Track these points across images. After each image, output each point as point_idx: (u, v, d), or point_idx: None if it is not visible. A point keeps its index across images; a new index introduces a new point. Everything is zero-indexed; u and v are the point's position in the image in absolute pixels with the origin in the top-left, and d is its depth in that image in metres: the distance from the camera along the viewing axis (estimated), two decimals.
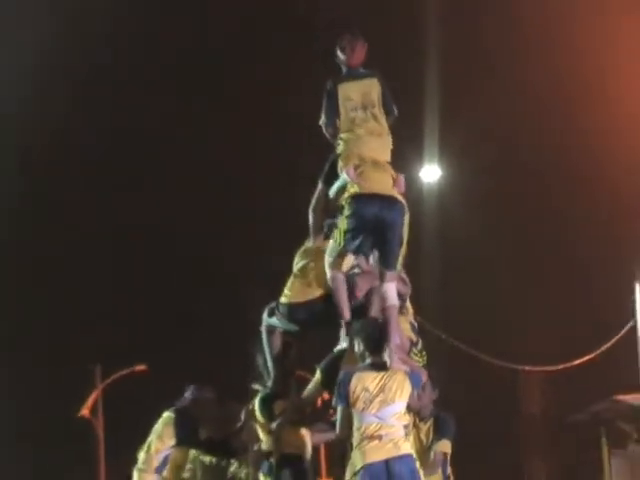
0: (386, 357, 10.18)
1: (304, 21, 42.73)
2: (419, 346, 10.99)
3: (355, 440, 10.03)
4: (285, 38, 42.97)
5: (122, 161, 45.96)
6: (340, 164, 10.63)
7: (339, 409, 10.15)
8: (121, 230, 44.88)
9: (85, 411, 35.93)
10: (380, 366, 10.10)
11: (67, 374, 36.39)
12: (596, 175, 40.39)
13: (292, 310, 10.70)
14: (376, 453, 9.96)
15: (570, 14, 37.27)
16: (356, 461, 10.00)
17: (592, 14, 36.09)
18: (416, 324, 11.25)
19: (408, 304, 11.07)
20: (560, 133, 41.88)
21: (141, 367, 31.50)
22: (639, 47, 33.46)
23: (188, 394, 11.70)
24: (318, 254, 10.77)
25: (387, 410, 10.00)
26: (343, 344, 10.76)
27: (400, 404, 10.05)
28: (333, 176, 10.75)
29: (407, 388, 10.08)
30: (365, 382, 10.03)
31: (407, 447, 10.08)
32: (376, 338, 10.22)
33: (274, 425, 10.70)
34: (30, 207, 46.30)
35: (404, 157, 11.61)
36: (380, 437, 9.99)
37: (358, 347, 10.25)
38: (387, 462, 9.93)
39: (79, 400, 35.97)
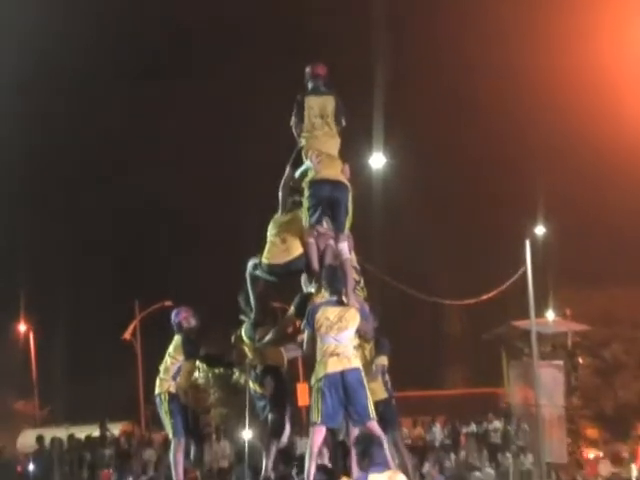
0: (344, 296, 11.65)
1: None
2: (361, 284, 12.68)
3: (318, 356, 11.35)
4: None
5: None
6: (304, 153, 12.28)
7: (306, 333, 11.59)
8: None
9: (127, 335, 39.71)
10: (339, 302, 11.57)
11: (115, 308, 39.97)
12: (502, 158, 42.56)
13: (272, 269, 12.25)
14: (334, 366, 11.29)
15: None
16: (319, 371, 11.32)
17: None
18: (359, 267, 12.86)
19: (353, 254, 12.58)
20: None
21: (168, 302, 33.32)
22: None
23: (192, 321, 12.73)
24: (288, 222, 12.37)
25: (343, 334, 11.39)
26: (309, 287, 12.26)
27: (352, 330, 11.47)
28: (298, 162, 12.39)
29: (357, 319, 11.51)
30: (327, 313, 11.44)
31: (357, 362, 11.44)
32: (336, 282, 11.71)
33: (258, 345, 12.26)
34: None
35: (356, 147, 13.39)
36: (337, 354, 11.32)
37: (324, 288, 11.74)
38: (342, 373, 11.28)
39: (124, 327, 39.35)
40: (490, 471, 28.92)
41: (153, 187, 46.65)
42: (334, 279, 11.74)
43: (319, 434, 11.27)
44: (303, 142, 12.44)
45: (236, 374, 11.98)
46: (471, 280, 36.46)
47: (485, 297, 33.17)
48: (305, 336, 11.66)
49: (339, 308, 11.52)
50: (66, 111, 49.18)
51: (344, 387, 11.27)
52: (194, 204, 47.14)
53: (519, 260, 32.36)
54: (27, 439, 33.45)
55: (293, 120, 12.54)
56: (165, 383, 12.37)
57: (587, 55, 35.08)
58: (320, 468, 11.32)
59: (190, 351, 12.41)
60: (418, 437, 30.36)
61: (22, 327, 50.60)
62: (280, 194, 12.59)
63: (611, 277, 42.28)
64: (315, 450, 11.25)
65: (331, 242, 12.17)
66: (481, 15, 39.72)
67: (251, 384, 12.36)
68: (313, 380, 11.44)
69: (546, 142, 41.26)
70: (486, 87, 41.99)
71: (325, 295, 11.74)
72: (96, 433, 30.58)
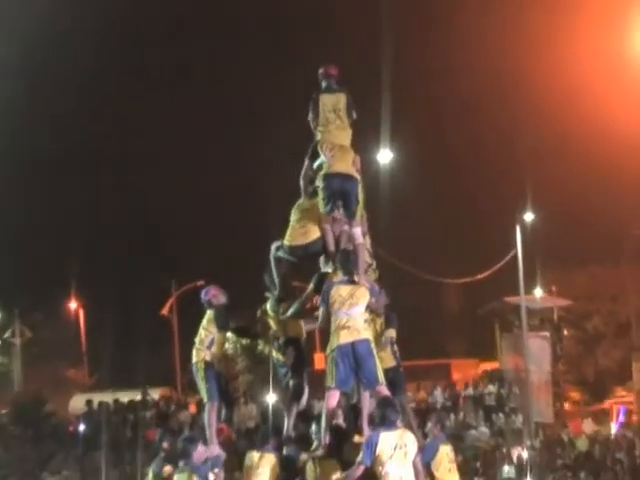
0: (356, 276, 11.65)
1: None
2: (373, 266, 12.66)
3: (332, 329, 11.36)
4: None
5: None
6: (320, 147, 12.29)
7: (322, 308, 11.58)
8: None
9: (165, 311, 40.05)
10: (351, 281, 11.59)
11: (154, 287, 39.63)
12: (497, 154, 42.47)
13: (293, 250, 12.25)
14: (345, 337, 11.29)
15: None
16: (333, 342, 11.34)
17: None
18: (372, 250, 12.87)
19: (367, 238, 12.59)
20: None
21: (201, 282, 32.76)
22: None
23: (222, 298, 12.57)
24: (308, 209, 12.36)
25: (353, 310, 11.37)
26: (326, 268, 12.26)
27: (362, 306, 11.43)
28: (315, 154, 12.42)
29: (367, 296, 11.50)
30: (340, 291, 11.46)
31: (366, 334, 11.41)
32: (348, 264, 11.72)
33: (281, 318, 12.26)
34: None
35: (365, 144, 13.45)
36: (349, 327, 11.31)
37: (338, 269, 11.76)
38: (352, 343, 11.28)
39: (161, 304, 39.62)
40: (485, 430, 29.04)
41: (190, 177, 46.45)
42: (347, 261, 11.77)
43: (334, 397, 11.33)
44: (319, 136, 12.43)
45: (261, 345, 11.87)
46: (468, 261, 36.54)
47: (480, 276, 33.63)
48: (320, 311, 11.68)
49: (351, 286, 11.53)
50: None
51: (354, 356, 11.27)
52: (222, 192, 46.81)
53: (510, 243, 32.78)
54: (77, 403, 33.56)
55: (310, 115, 12.56)
56: (201, 353, 12.38)
57: (572, 57, 34.91)
58: (335, 427, 11.39)
59: (222, 324, 12.40)
60: (422, 400, 30.40)
61: (73, 305, 51.05)
62: (301, 183, 12.65)
63: (591, 258, 42.37)
64: (330, 411, 11.33)
65: (346, 228, 12.15)
66: (487, 22, 39.35)
67: (274, 353, 12.44)
68: (328, 350, 11.46)
69: (536, 141, 41.30)
70: (481, 88, 42.14)
71: (339, 275, 11.73)
72: (138, 397, 30.81)
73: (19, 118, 42.42)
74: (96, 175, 48.51)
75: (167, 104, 48.29)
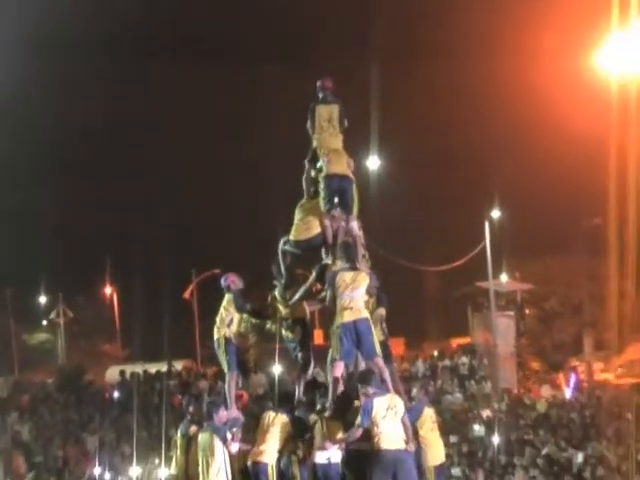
0: (357, 263, 11.71)
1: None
2: (366, 256, 12.59)
3: (337, 309, 11.41)
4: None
5: None
6: (317, 152, 12.32)
7: (329, 292, 11.57)
8: None
9: (187, 294, 39.04)
10: (352, 268, 11.63)
11: (178, 274, 38.62)
12: (468, 158, 42.23)
13: (297, 244, 12.30)
14: (349, 316, 11.34)
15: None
16: (337, 321, 11.39)
17: None
18: (365, 243, 12.75)
19: (361, 232, 12.45)
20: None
21: (217, 270, 31.26)
22: None
23: (239, 283, 12.47)
24: (310, 208, 12.35)
25: (355, 292, 11.42)
26: (326, 259, 12.24)
27: (363, 289, 11.48)
28: (313, 158, 12.43)
29: (367, 280, 11.55)
30: (344, 277, 11.50)
31: (366, 313, 11.47)
32: (349, 253, 11.79)
33: (289, 302, 12.27)
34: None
35: (356, 150, 13.39)
36: (351, 308, 11.35)
37: (339, 259, 11.81)
38: (354, 322, 11.33)
39: (183, 288, 38.94)
40: (459, 395, 28.99)
41: (210, 183, 45.75)
42: (348, 251, 11.79)
43: (339, 368, 11.33)
44: (315, 142, 12.38)
45: (268, 324, 11.79)
46: (445, 252, 36.29)
47: (455, 264, 33.65)
48: (327, 294, 11.63)
49: (353, 272, 11.53)
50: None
51: (356, 332, 11.28)
52: (235, 196, 46.04)
53: (480, 236, 32.80)
54: (112, 373, 33.65)
55: (308, 123, 12.52)
56: (221, 330, 12.33)
57: (536, 66, 34.58)
58: (339, 394, 11.41)
59: (240, 306, 12.32)
60: (405, 370, 30.37)
61: (108, 289, 51.04)
62: (304, 185, 12.56)
63: (550, 248, 42.20)
64: (336, 380, 11.34)
65: (342, 224, 12.11)
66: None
67: (284, 332, 12.39)
68: (334, 327, 11.47)
69: (503, 149, 41.18)
70: (459, 102, 41.85)
71: (340, 264, 11.72)
72: (164, 368, 30.82)
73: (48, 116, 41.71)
74: (133, 175, 46.90)
75: (196, 87, 46.35)
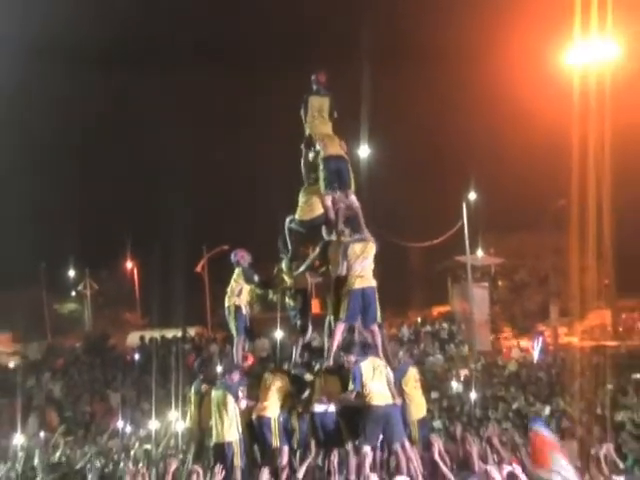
0: (364, 234, 11.61)
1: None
2: None
3: (349, 278, 11.31)
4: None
5: None
6: (312, 138, 12.21)
7: (342, 261, 11.33)
8: None
9: (199, 268, 39.13)
10: (361, 239, 11.57)
11: (191, 250, 38.37)
12: (449, 145, 41.99)
13: (302, 222, 12.22)
14: (359, 284, 11.33)
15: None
16: (349, 286, 11.30)
17: None
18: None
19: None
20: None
21: (226, 247, 31.37)
22: None
23: (247, 258, 12.38)
24: (312, 192, 12.23)
25: (365, 262, 11.40)
26: (329, 236, 12.07)
27: (371, 258, 11.46)
28: (308, 143, 12.34)
29: (374, 250, 11.53)
30: (355, 248, 11.44)
31: (373, 281, 11.45)
32: (356, 225, 11.74)
33: (294, 273, 12.25)
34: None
35: (347, 138, 13.27)
36: (362, 276, 11.33)
37: (348, 231, 11.66)
38: (363, 289, 11.31)
39: (196, 263, 39.05)
40: (440, 357, 28.99)
41: (222, 164, 44.85)
42: (353, 223, 11.74)
43: (341, 328, 11.30)
44: (308, 129, 12.28)
45: (270, 294, 11.75)
46: (427, 230, 36.33)
47: (437, 241, 33.81)
48: (341, 263, 11.44)
49: (362, 243, 11.47)
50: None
51: (363, 298, 11.24)
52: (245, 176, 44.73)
53: (459, 216, 32.84)
54: (133, 338, 33.58)
55: (302, 112, 12.42)
56: (232, 299, 12.29)
57: (509, 57, 34.11)
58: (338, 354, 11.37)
59: (249, 277, 12.27)
60: (392, 335, 30.37)
61: (129, 264, 51.01)
62: (302, 170, 12.46)
63: (520, 226, 42.16)
64: (337, 339, 11.29)
65: (342, 205, 11.96)
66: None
67: (287, 300, 12.38)
68: (344, 292, 11.35)
69: (480, 135, 40.96)
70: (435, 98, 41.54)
71: (349, 237, 11.58)
72: (179, 334, 30.82)
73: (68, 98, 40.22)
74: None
75: (208, 80, 43.90)
